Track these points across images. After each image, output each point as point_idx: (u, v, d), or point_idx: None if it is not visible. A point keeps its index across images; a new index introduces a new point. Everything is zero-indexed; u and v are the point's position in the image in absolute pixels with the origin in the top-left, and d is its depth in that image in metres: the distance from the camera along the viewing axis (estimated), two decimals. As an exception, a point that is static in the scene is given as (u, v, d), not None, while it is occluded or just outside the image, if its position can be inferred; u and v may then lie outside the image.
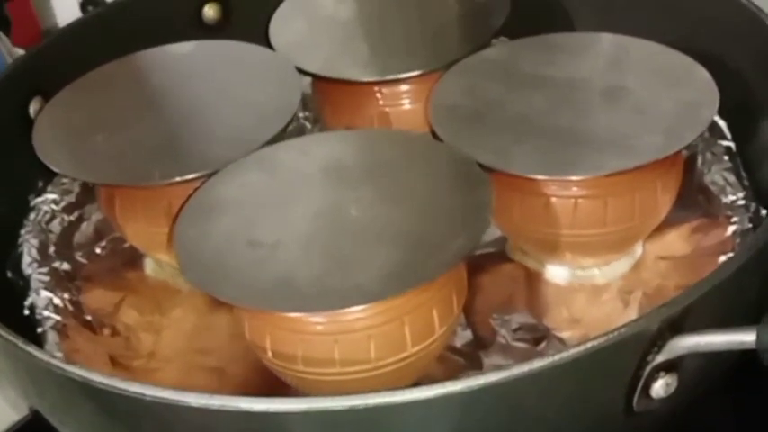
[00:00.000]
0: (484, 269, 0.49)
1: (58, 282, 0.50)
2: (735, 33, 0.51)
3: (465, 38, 0.55)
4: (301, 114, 0.58)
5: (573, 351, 0.35)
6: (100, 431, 0.40)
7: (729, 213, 0.49)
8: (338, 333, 0.41)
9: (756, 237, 0.40)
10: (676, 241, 0.49)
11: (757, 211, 0.48)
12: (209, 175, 0.46)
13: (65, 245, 0.53)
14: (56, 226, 0.53)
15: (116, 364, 0.47)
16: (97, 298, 0.51)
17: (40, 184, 0.54)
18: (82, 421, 0.41)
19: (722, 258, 0.47)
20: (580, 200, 0.46)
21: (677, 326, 0.36)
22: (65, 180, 0.54)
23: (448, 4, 0.58)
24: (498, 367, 0.35)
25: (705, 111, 0.46)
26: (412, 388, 0.35)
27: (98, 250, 0.53)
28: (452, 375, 0.45)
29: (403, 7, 0.58)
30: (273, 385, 0.44)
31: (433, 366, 0.45)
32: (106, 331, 0.49)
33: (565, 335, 0.46)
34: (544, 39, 0.53)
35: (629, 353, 0.36)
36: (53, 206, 0.53)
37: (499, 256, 0.50)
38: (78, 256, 0.53)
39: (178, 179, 0.46)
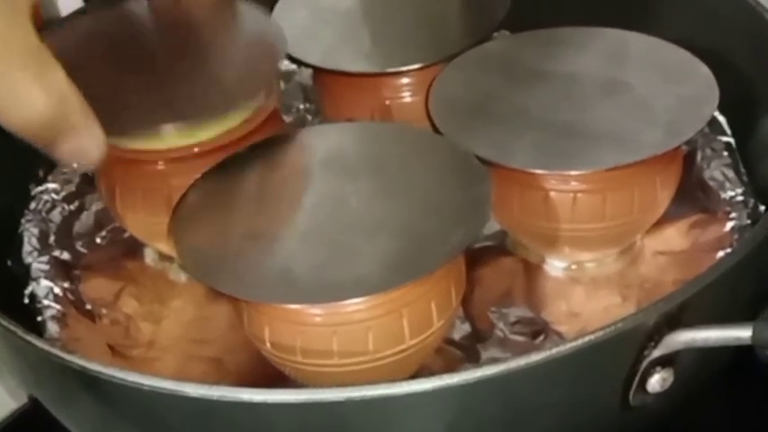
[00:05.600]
0: (483, 262, 0.49)
1: (58, 271, 0.50)
2: (735, 29, 0.52)
3: (466, 31, 0.55)
4: (302, 106, 0.58)
5: (570, 345, 0.35)
6: (98, 420, 0.41)
7: (728, 209, 0.49)
8: (337, 325, 0.41)
9: (754, 233, 0.40)
10: (675, 236, 0.50)
11: (756, 207, 0.49)
12: (200, 154, 0.46)
13: (65, 234, 0.53)
14: (56, 215, 0.53)
15: (115, 353, 0.47)
16: (97, 287, 0.51)
17: (41, 173, 0.54)
18: (80, 410, 0.41)
19: (720, 254, 0.47)
20: (579, 194, 0.46)
21: (674, 321, 0.36)
22: (65, 169, 0.54)
23: (449, -3, 0.58)
24: (496, 360, 0.36)
25: (705, 107, 0.46)
26: (410, 380, 0.35)
27: (98, 240, 0.53)
28: (450, 368, 0.45)
29: (404, -1, 0.58)
30: (272, 376, 0.44)
31: (431, 359, 0.45)
32: (105, 320, 0.49)
33: (563, 329, 0.46)
34: (545, 33, 0.53)
35: (627, 347, 0.37)
36: (53, 195, 0.53)
37: (498, 249, 0.50)
38: (78, 246, 0.53)
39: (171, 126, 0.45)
